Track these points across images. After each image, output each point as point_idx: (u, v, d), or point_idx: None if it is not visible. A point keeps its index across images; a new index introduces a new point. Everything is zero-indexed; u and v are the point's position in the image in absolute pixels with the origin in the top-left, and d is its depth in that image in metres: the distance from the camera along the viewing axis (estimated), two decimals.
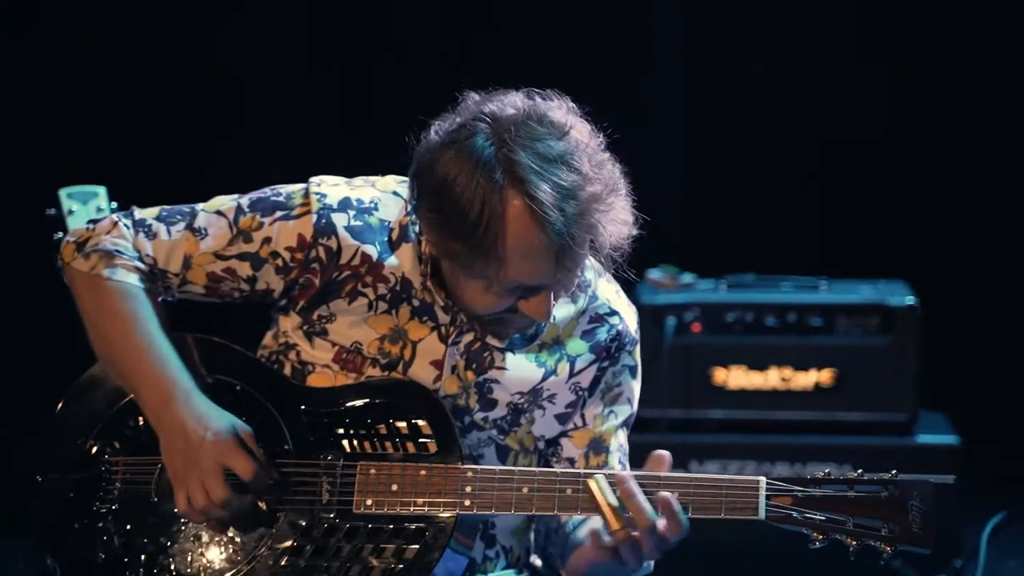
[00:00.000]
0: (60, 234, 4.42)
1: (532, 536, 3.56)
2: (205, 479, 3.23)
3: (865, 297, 5.93)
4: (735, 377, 5.91)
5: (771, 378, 5.91)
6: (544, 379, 3.40)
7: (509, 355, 3.37)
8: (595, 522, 3.26)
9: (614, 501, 3.14)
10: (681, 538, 3.14)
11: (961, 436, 5.85)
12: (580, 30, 7.16)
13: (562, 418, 3.44)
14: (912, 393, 5.88)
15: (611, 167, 3.15)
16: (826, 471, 3.17)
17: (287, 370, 3.41)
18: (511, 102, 3.17)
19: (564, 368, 3.41)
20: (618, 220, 3.14)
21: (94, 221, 3.45)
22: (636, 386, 3.50)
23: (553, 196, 3.07)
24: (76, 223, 4.44)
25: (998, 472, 6.18)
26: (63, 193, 4.47)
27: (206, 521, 3.28)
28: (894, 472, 3.16)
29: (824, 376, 5.90)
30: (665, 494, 3.13)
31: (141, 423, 3.38)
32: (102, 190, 4.50)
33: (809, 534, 3.14)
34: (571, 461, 3.46)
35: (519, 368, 3.38)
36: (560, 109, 3.18)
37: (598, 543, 3.15)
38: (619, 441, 3.49)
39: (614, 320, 3.44)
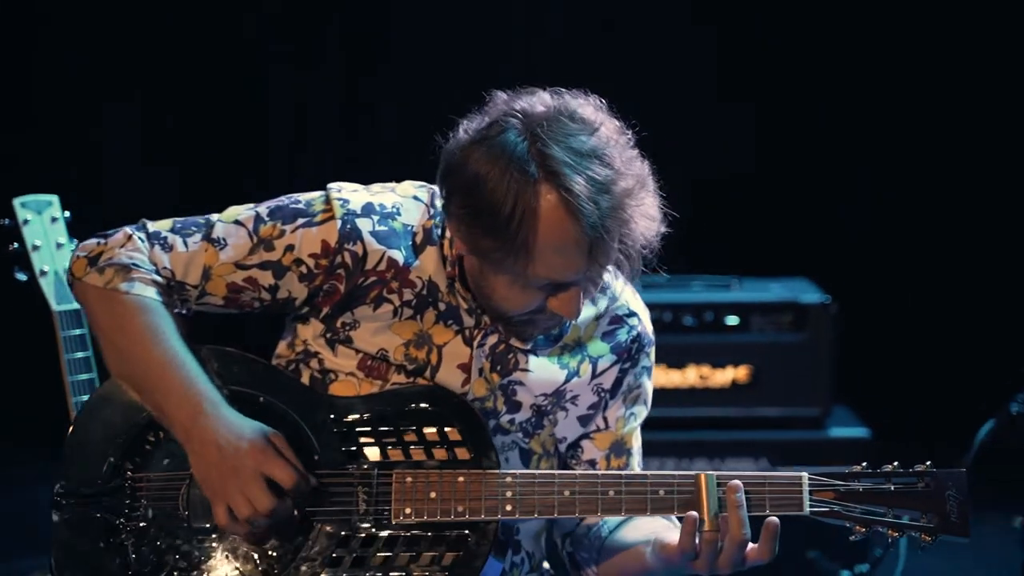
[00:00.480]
0: (15, 245, 4.33)
1: (543, 541, 3.57)
2: (247, 489, 3.18)
3: (778, 295, 6.04)
4: (654, 375, 5.95)
5: (689, 376, 6.00)
6: (567, 380, 3.40)
7: (532, 357, 3.37)
8: (641, 523, 3.35)
9: (715, 503, 3.17)
10: (760, 564, 3.18)
11: (870, 428, 6.02)
12: (452, 59, 7.21)
13: (584, 420, 3.45)
14: (825, 388, 6.02)
15: (640, 163, 3.17)
16: (863, 464, 3.24)
17: (305, 378, 3.37)
18: (541, 99, 3.17)
19: (586, 369, 3.42)
20: (648, 216, 3.15)
21: (104, 235, 3.37)
22: (651, 387, 3.54)
23: (588, 189, 3.08)
24: (32, 233, 4.36)
25: (909, 462, 6.33)
26: (17, 203, 4.37)
27: (248, 533, 3.22)
28: (928, 463, 3.23)
29: (740, 373, 6.00)
30: (774, 519, 3.16)
31: (161, 437, 3.32)
32: (55, 199, 4.41)
33: (852, 527, 3.19)
34: (592, 463, 3.47)
35: (542, 370, 3.38)
36: (589, 106, 3.18)
37: (690, 531, 3.17)
38: (638, 443, 3.51)
39: (633, 321, 3.47)
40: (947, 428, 6.12)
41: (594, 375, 3.43)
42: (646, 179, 3.16)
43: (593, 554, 3.46)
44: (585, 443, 3.48)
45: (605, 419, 3.47)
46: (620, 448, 3.48)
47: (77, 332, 4.33)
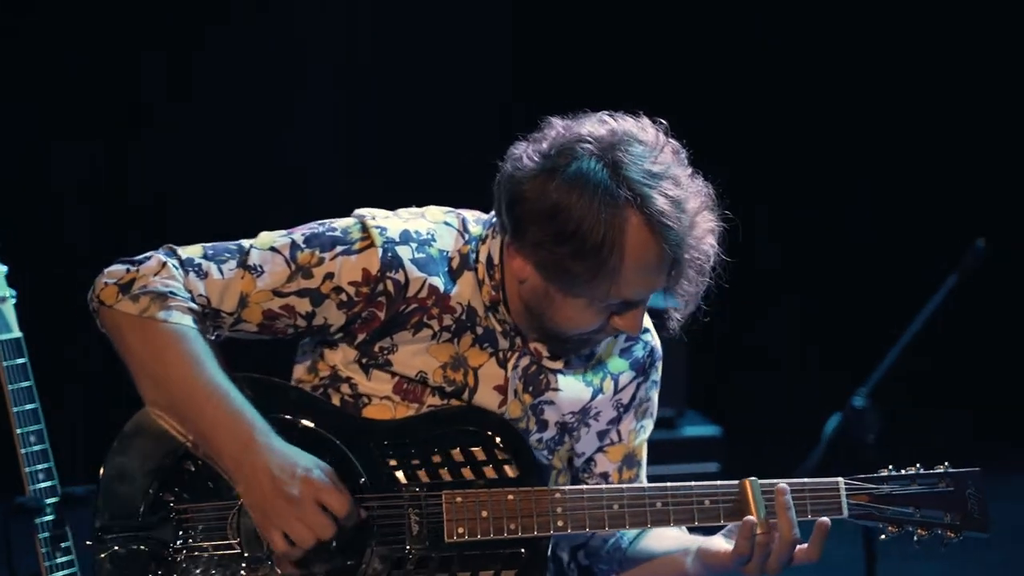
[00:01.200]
0: None
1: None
2: (305, 516, 3.18)
3: None
4: None
5: None
6: (593, 398, 3.49)
7: (561, 376, 3.45)
8: (663, 533, 3.46)
9: (763, 507, 3.29)
10: (804, 564, 3.33)
11: (720, 427, 6.28)
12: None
13: (601, 435, 3.54)
14: (679, 390, 6.24)
15: (700, 180, 3.28)
16: (890, 467, 3.41)
17: (336, 403, 3.37)
18: (602, 123, 3.24)
19: (609, 386, 3.51)
20: (713, 232, 3.27)
21: (133, 261, 3.31)
22: (657, 400, 3.65)
23: (669, 209, 3.18)
24: None
25: (755, 458, 6.61)
26: None
27: (302, 559, 3.23)
28: (946, 464, 3.43)
29: None
30: (826, 520, 3.30)
31: (200, 465, 3.29)
32: None
33: (884, 528, 3.37)
34: (605, 476, 3.55)
35: (571, 388, 3.46)
36: (648, 128, 3.27)
37: (748, 535, 3.28)
38: (645, 456, 3.62)
39: (647, 337, 3.57)
40: (794, 424, 6.38)
41: (616, 391, 3.52)
42: (709, 196, 3.27)
43: (614, 566, 3.55)
44: (598, 456, 3.56)
45: (618, 432, 3.56)
46: (631, 461, 3.58)
47: (19, 361, 4.23)
